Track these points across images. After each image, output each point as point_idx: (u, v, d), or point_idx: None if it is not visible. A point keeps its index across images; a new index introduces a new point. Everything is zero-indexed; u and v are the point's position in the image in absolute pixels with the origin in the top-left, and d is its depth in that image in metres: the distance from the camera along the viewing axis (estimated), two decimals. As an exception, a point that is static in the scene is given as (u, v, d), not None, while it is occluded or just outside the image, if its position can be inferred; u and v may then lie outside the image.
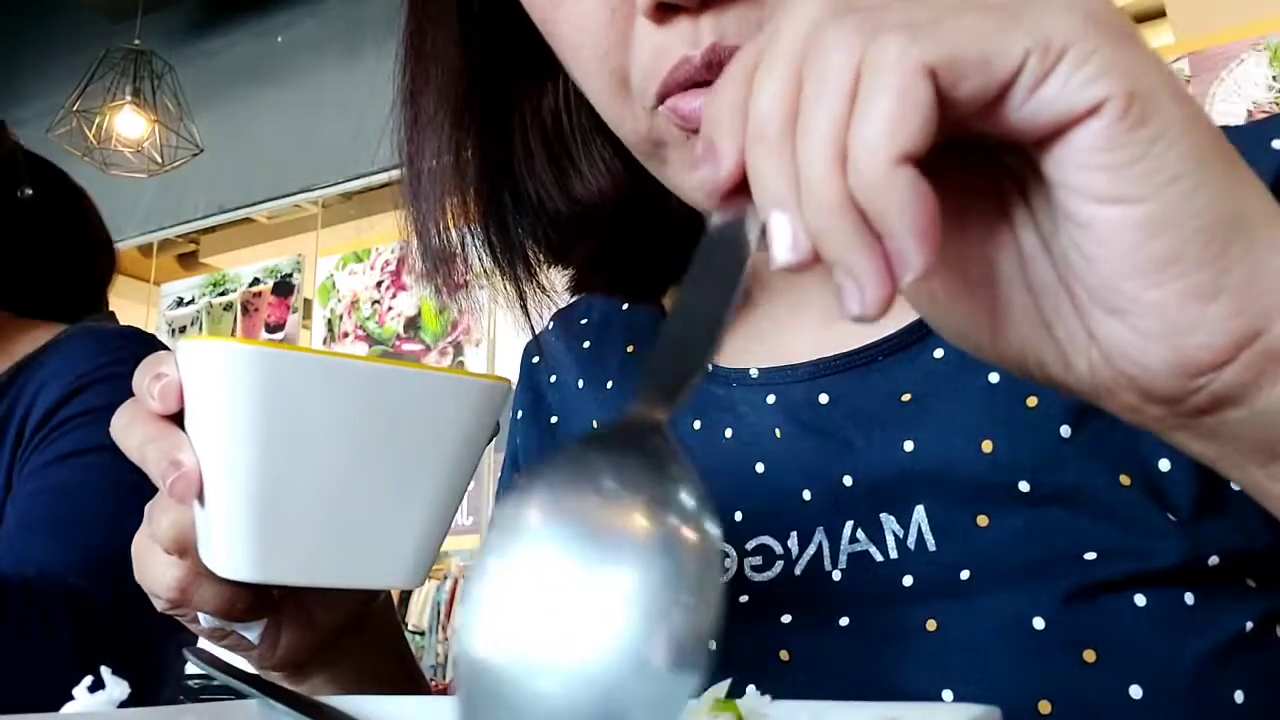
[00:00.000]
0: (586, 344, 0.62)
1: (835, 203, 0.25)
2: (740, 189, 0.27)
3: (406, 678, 0.59)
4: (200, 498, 0.41)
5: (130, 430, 0.43)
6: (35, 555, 0.85)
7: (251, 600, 0.45)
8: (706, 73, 0.40)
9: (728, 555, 0.50)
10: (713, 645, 0.21)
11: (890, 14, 0.25)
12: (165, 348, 1.02)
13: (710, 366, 0.25)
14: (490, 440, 0.44)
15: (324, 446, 0.40)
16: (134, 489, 0.89)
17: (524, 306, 0.56)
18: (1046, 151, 0.26)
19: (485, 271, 0.55)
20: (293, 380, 0.39)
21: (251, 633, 0.48)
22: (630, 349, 0.60)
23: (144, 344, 1.00)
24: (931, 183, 0.25)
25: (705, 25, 0.39)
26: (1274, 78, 2.53)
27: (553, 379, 0.63)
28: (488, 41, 0.52)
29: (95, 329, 1.02)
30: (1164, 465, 0.43)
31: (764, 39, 0.27)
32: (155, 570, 0.45)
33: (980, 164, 0.29)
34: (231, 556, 0.41)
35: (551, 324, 0.65)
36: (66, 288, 1.08)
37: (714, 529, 0.22)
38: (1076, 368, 0.29)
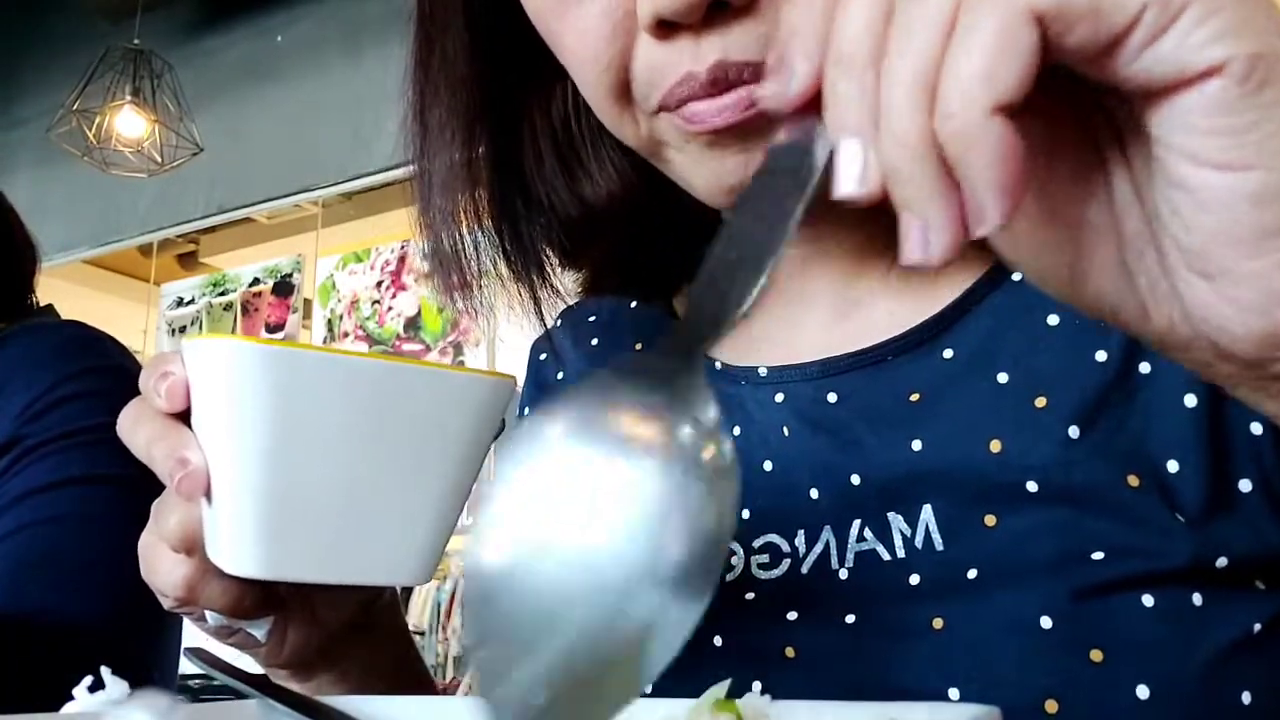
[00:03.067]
0: (594, 341, 0.62)
1: (916, 142, 0.24)
2: (810, 109, 0.26)
3: (413, 677, 0.59)
4: (207, 495, 0.41)
5: (137, 429, 0.43)
6: (40, 599, 0.85)
7: (258, 598, 0.45)
8: (712, 89, 0.40)
9: (734, 553, 0.50)
10: (722, 569, 0.21)
11: None
12: (115, 345, 1.02)
13: (750, 302, 0.25)
14: (496, 438, 0.44)
15: (330, 443, 0.40)
16: (114, 517, 0.89)
17: (538, 310, 0.56)
18: (1153, 107, 0.25)
19: (499, 276, 0.55)
20: (299, 377, 0.39)
21: (259, 630, 0.48)
22: (638, 346, 0.60)
23: (91, 352, 0.98)
24: (1022, 115, 0.23)
25: (708, 42, 0.39)
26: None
27: (560, 376, 0.63)
28: (496, 50, 0.52)
29: (34, 329, 1.01)
30: (1172, 466, 0.43)
31: None
32: (163, 569, 0.45)
33: (1078, 98, 0.28)
34: (238, 553, 0.41)
35: (560, 321, 0.65)
36: None
37: (728, 458, 0.23)
38: (1154, 320, 0.28)
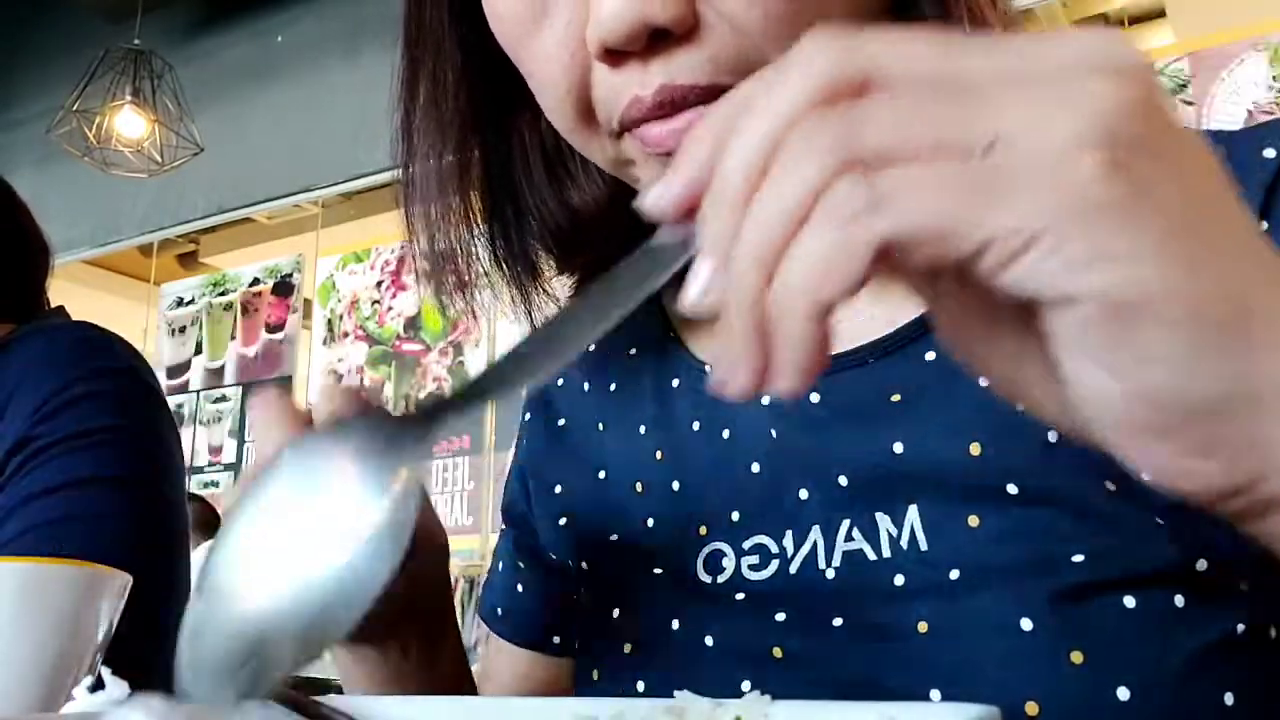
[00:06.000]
0: (591, 347, 0.63)
1: (747, 303, 0.26)
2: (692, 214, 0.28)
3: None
4: None
5: None
6: None
7: None
8: (659, 110, 0.42)
9: (725, 555, 0.51)
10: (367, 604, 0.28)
11: (875, 127, 0.25)
12: (126, 347, 1.02)
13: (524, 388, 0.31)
14: (110, 628, 0.43)
15: None
16: (120, 518, 0.89)
17: (530, 315, 0.57)
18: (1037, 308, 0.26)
19: (491, 282, 0.57)
20: None
21: None
22: (633, 351, 0.61)
23: (103, 353, 0.99)
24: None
25: (654, 67, 0.41)
26: (1274, 78, 2.53)
27: (559, 382, 0.64)
28: (486, 68, 0.53)
29: (46, 329, 1.01)
30: (1147, 475, 0.43)
31: (759, 87, 0.27)
32: None
33: None
34: None
35: None
36: (4, 289, 1.06)
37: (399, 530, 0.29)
38: (1076, 417, 0.29)
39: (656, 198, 0.28)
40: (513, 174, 0.55)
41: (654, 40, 0.41)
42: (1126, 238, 0.24)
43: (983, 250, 0.24)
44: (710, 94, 0.41)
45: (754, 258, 0.26)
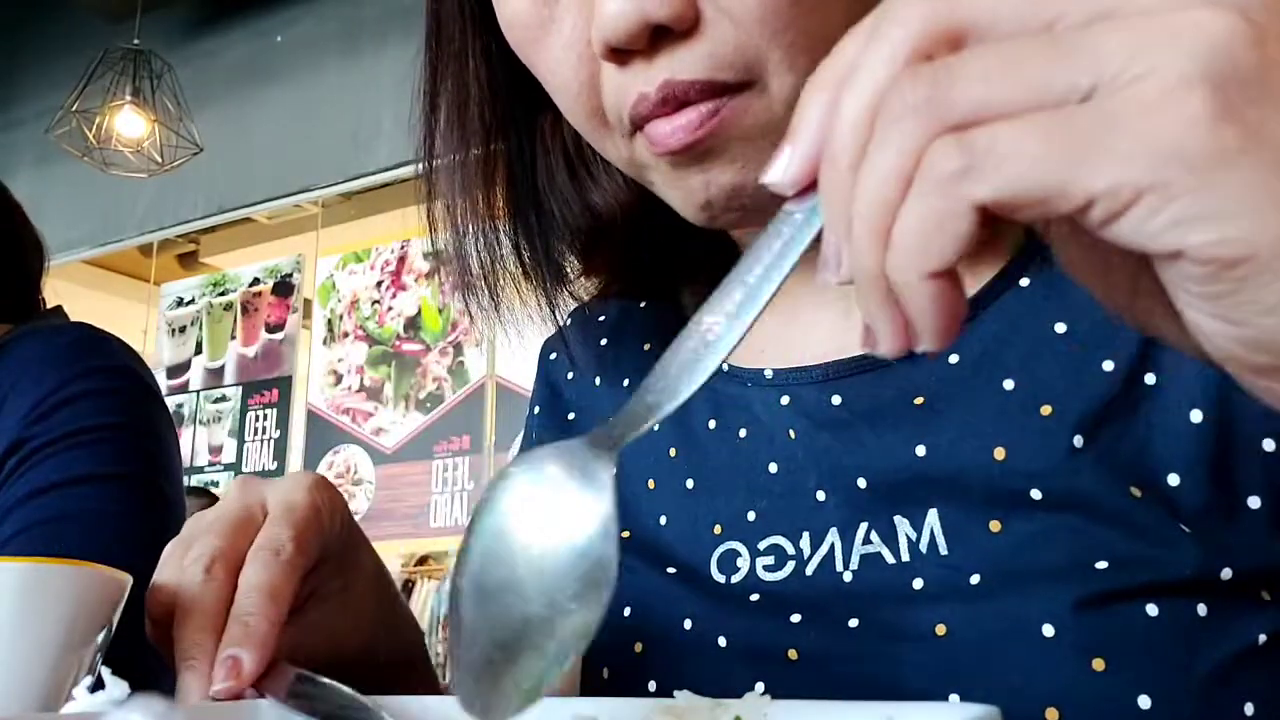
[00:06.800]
0: (604, 341, 0.63)
1: (871, 274, 0.26)
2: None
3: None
4: None
5: None
6: None
7: None
8: (663, 107, 0.43)
9: (739, 555, 0.50)
10: (588, 641, 0.30)
11: (967, 84, 0.24)
12: (121, 345, 1.02)
13: (692, 393, 0.29)
14: (107, 634, 0.43)
15: None
16: (119, 516, 0.89)
17: (554, 313, 0.58)
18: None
19: (517, 287, 0.58)
20: None
21: None
22: (647, 347, 0.61)
23: (99, 353, 0.99)
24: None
25: (658, 64, 0.42)
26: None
27: (570, 375, 0.64)
28: (505, 76, 0.54)
29: (42, 330, 1.01)
30: (1173, 480, 0.43)
31: (858, 45, 0.27)
32: None
33: None
34: None
35: (570, 321, 0.65)
36: (0, 289, 1.06)
37: (610, 559, 0.31)
38: (1199, 347, 0.28)
39: (776, 172, 0.28)
40: (535, 178, 0.56)
41: (657, 38, 0.41)
42: (1234, 191, 0.22)
43: (1086, 207, 0.23)
44: (712, 90, 0.42)
45: (867, 229, 0.26)
